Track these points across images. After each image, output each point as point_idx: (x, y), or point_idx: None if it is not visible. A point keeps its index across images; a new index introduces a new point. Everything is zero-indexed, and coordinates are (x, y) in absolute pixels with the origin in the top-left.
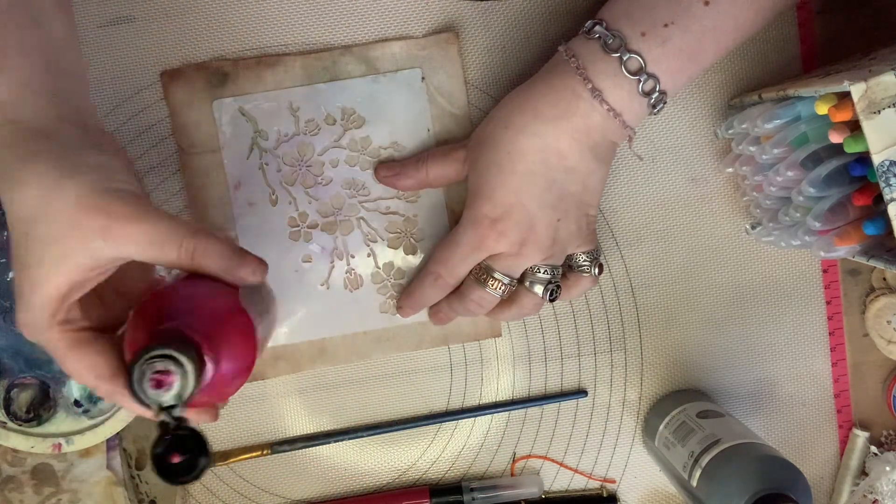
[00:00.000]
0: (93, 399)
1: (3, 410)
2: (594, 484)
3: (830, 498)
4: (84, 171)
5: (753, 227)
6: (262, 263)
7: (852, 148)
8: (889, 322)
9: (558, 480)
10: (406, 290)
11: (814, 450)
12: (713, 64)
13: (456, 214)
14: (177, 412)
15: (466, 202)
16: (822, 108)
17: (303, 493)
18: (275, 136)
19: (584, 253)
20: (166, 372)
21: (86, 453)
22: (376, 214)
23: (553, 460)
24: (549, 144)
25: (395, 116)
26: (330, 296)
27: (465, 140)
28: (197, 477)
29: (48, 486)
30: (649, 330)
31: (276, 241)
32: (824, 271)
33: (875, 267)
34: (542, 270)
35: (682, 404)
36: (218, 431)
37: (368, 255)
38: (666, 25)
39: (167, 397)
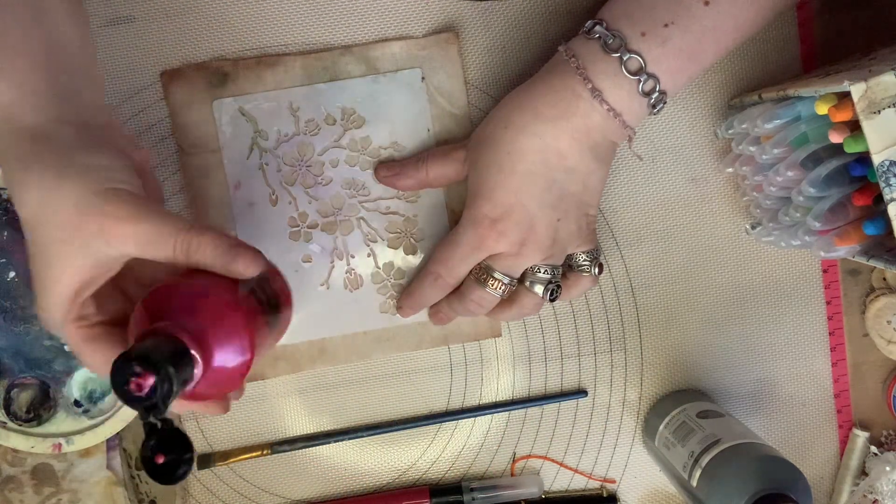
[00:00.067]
0: (93, 399)
1: (3, 410)
2: (594, 484)
3: (830, 498)
4: (82, 172)
5: (753, 227)
6: (257, 257)
7: (852, 148)
8: (889, 322)
9: (558, 480)
10: (406, 290)
11: (814, 450)
12: (713, 64)
13: (456, 214)
14: (160, 414)
15: (466, 202)
16: (822, 108)
17: (303, 493)
18: (275, 136)
19: (584, 253)
20: (143, 375)
21: (86, 453)
22: (376, 214)
23: (553, 460)
24: (549, 144)
25: (395, 116)
26: (330, 296)
27: (465, 140)
28: (181, 477)
29: (48, 486)
30: (649, 330)
31: (276, 241)
32: (824, 271)
33: (875, 267)
34: (542, 270)
35: (682, 404)
36: (218, 431)
37: (368, 255)
38: (666, 25)
39: (148, 401)
